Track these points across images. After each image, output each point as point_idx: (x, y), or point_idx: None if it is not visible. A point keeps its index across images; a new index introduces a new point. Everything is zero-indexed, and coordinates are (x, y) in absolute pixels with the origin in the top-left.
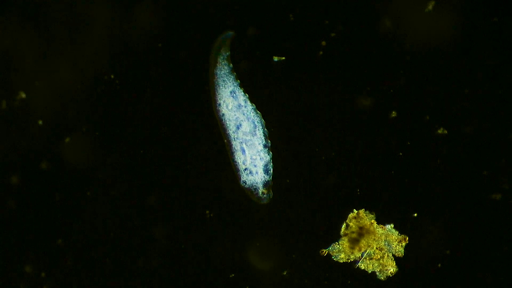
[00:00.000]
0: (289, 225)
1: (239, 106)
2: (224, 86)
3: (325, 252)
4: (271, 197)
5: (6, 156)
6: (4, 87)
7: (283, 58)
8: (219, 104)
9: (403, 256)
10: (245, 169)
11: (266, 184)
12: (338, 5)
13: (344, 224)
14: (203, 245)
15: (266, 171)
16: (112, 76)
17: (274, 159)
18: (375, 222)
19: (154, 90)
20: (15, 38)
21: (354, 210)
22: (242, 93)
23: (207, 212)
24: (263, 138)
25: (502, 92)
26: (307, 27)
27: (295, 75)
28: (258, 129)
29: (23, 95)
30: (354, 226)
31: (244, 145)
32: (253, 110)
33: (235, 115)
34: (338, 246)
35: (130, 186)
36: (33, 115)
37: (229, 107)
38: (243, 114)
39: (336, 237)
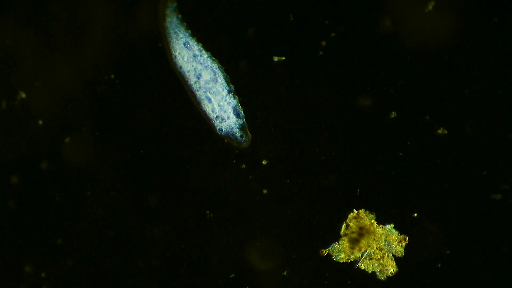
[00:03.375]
0: (289, 225)
1: (195, 56)
2: (177, 38)
3: (325, 252)
4: (250, 138)
5: (6, 156)
6: (4, 87)
7: (283, 58)
8: (175, 57)
9: (403, 256)
10: (217, 117)
11: (241, 127)
12: (338, 5)
13: (344, 224)
14: (203, 245)
15: (237, 114)
16: (112, 76)
17: (242, 102)
18: (375, 222)
19: (153, 90)
20: (15, 38)
21: (354, 210)
22: (195, 42)
23: (207, 212)
24: (225, 83)
25: (502, 92)
26: (307, 27)
27: (295, 75)
28: (219, 76)
29: (23, 95)
30: (354, 226)
31: (208, 94)
32: (209, 58)
33: (192, 65)
34: (338, 246)
35: (130, 186)
36: (33, 115)
37: (185, 59)
38: (201, 64)
39: (336, 237)
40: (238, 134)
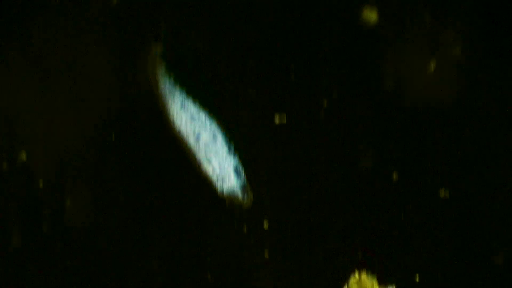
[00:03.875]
0: None
1: (193, 117)
2: (173, 100)
3: None
4: (251, 199)
5: (8, 217)
6: (5, 148)
7: (285, 117)
8: (173, 119)
9: None
10: (217, 177)
11: (242, 187)
12: (339, 64)
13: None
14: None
15: (237, 174)
16: (114, 136)
17: (243, 161)
18: (377, 285)
19: (155, 151)
20: (16, 97)
21: (356, 274)
22: (192, 102)
23: (208, 275)
24: (225, 143)
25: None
26: (309, 86)
27: (296, 134)
28: (218, 136)
29: (24, 156)
30: None
31: (208, 154)
32: (207, 118)
33: (191, 127)
34: None
35: (131, 247)
36: (34, 176)
37: (183, 121)
38: (199, 124)
39: None
40: (239, 194)
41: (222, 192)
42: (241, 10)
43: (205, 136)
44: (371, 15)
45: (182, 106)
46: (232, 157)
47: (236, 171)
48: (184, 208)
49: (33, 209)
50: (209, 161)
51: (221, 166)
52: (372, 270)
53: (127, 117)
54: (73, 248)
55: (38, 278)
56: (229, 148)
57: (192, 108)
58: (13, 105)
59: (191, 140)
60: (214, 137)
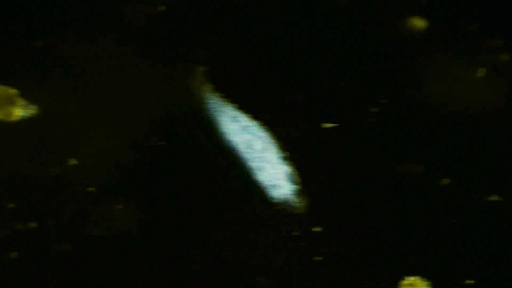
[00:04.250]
0: None
1: (244, 127)
2: (222, 115)
3: None
4: (304, 205)
5: (57, 222)
6: (54, 154)
7: (336, 124)
8: (223, 131)
9: None
10: (270, 185)
11: (295, 194)
12: (388, 72)
13: None
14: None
15: (290, 180)
16: (165, 143)
17: (295, 168)
18: None
19: (204, 157)
20: (64, 104)
21: (409, 278)
22: (243, 114)
23: (259, 279)
24: (277, 151)
25: None
26: (358, 93)
27: (347, 141)
28: (269, 144)
29: (73, 162)
30: None
31: (260, 163)
32: (258, 127)
33: (242, 137)
34: None
35: (180, 253)
36: (83, 182)
37: (234, 132)
38: (251, 134)
39: None
40: (291, 201)
41: (275, 199)
42: (289, 20)
43: (258, 145)
44: (419, 23)
45: (233, 118)
46: (284, 164)
47: (288, 178)
48: (235, 215)
49: (83, 213)
50: (262, 169)
51: (273, 173)
52: (425, 274)
53: (177, 125)
54: (123, 252)
55: (87, 282)
56: (281, 156)
57: (243, 119)
58: (63, 111)
59: (243, 150)
60: (266, 145)
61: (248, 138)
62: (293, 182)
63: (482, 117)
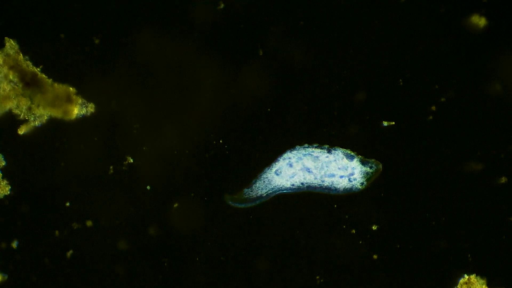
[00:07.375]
0: None
1: (315, 157)
2: (267, 183)
3: None
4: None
5: (114, 221)
6: (112, 152)
7: (393, 123)
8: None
9: None
10: (330, 184)
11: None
12: (448, 70)
13: None
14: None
15: (362, 163)
16: (221, 141)
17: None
18: None
19: (262, 155)
20: (121, 102)
21: (465, 276)
22: (312, 148)
23: (317, 277)
24: (340, 150)
25: None
26: (416, 92)
27: (404, 140)
28: (321, 156)
29: (131, 160)
30: None
31: (329, 172)
32: (300, 151)
33: (298, 171)
34: None
35: (239, 251)
36: (141, 180)
37: (288, 174)
38: (301, 162)
39: None
40: (363, 180)
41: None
42: (350, 18)
43: (311, 164)
44: (479, 21)
45: (277, 171)
46: (350, 158)
47: (348, 176)
48: (291, 210)
49: (140, 212)
50: (332, 175)
51: (346, 166)
52: (481, 272)
53: (235, 119)
54: (180, 252)
55: (143, 281)
56: (345, 154)
57: (314, 152)
58: (120, 110)
59: (304, 179)
60: (319, 158)
61: (320, 165)
62: (352, 181)
63: None
